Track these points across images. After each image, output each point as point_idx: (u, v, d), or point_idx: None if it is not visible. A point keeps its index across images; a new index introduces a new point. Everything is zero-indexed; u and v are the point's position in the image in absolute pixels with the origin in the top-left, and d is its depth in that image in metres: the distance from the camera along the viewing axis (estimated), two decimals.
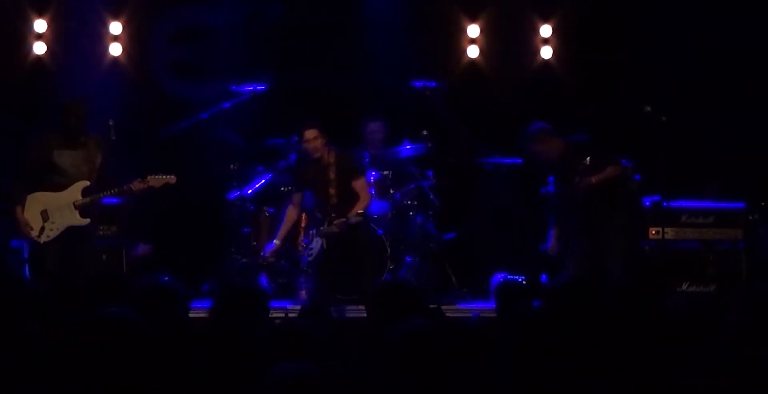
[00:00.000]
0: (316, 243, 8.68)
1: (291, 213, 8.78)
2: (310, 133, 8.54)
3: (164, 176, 8.12)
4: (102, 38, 10.22)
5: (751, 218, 9.13)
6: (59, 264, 7.89)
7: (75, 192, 7.97)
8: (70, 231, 7.95)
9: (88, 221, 7.99)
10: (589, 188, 8.27)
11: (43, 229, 7.91)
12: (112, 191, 8.06)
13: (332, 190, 8.54)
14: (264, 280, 9.13)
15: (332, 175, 8.54)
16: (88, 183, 7.99)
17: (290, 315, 7.89)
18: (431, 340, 4.08)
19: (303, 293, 8.86)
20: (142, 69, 10.26)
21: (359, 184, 8.64)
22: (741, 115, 10.00)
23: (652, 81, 9.95)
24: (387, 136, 9.65)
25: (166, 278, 6.09)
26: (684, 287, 8.89)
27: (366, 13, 10.27)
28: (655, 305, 4.89)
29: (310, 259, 8.74)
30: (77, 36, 10.15)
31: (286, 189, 9.46)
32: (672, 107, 8.89)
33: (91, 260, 8.05)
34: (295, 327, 4.41)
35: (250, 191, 9.43)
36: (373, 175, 9.15)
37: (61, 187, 7.94)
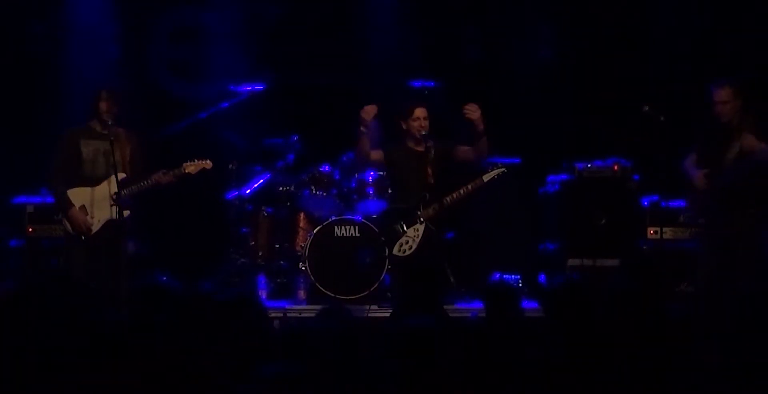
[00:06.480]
0: (415, 232, 8.29)
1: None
2: (421, 112, 8.30)
3: (200, 162, 8.06)
4: (101, 38, 10.23)
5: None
6: (99, 260, 7.80)
7: (111, 185, 7.87)
8: (109, 225, 7.85)
9: (127, 213, 7.86)
10: None
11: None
12: (143, 184, 7.89)
13: (429, 174, 8.18)
14: (262, 280, 9.12)
15: (430, 157, 8.21)
16: (124, 175, 7.89)
17: (289, 315, 7.97)
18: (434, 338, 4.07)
19: (301, 293, 8.83)
20: (141, 69, 10.27)
21: (462, 150, 8.30)
22: None
23: (651, 80, 9.96)
24: (382, 136, 9.59)
25: (164, 278, 6.12)
26: (682, 287, 8.87)
27: (365, 13, 10.28)
28: (655, 308, 4.87)
29: (404, 254, 8.29)
30: (77, 35, 10.16)
31: (284, 189, 9.45)
32: (671, 107, 8.87)
33: (127, 254, 7.95)
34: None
35: (248, 191, 9.42)
36: (371, 175, 9.13)
37: (94, 180, 7.84)
